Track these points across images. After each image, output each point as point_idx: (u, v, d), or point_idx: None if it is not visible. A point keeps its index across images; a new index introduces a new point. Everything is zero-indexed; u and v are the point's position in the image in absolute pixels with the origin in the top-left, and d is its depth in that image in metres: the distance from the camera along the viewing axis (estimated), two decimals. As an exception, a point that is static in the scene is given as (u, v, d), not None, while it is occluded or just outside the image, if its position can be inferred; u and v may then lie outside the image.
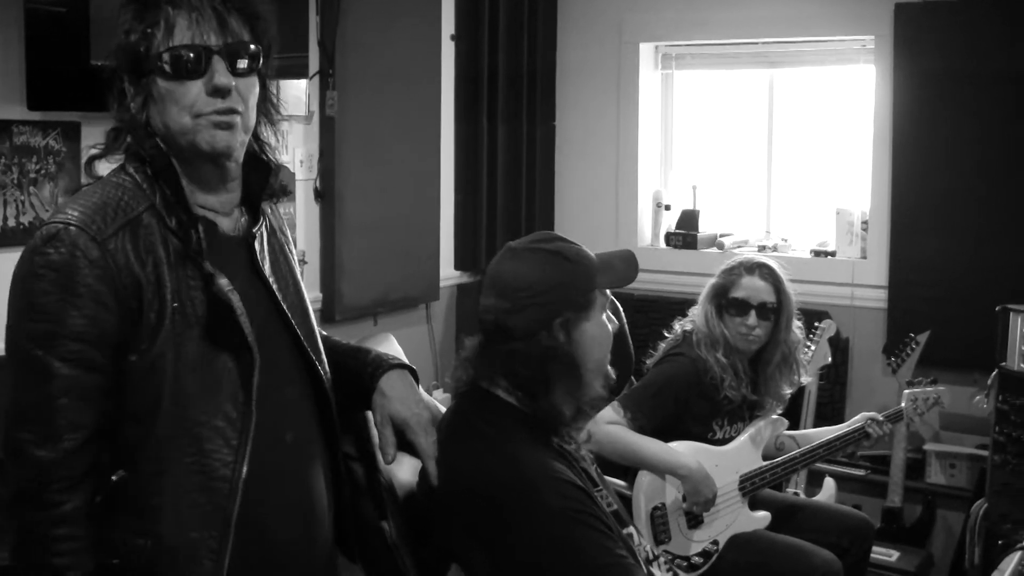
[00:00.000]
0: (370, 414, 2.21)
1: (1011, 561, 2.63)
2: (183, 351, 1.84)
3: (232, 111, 1.87)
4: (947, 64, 4.88)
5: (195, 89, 1.85)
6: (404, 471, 2.28)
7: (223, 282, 1.86)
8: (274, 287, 2.01)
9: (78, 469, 1.79)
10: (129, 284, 1.80)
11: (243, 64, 1.89)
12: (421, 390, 2.27)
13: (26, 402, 1.79)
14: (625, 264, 2.33)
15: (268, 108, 2.02)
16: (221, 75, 1.85)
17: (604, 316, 2.29)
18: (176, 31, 1.84)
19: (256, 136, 2.01)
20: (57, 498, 1.77)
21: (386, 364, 2.21)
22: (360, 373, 2.19)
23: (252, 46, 1.90)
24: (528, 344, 2.22)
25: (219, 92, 1.85)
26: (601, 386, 2.31)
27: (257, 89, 1.94)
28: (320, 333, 2.18)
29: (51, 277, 1.77)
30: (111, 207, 1.84)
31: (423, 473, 2.21)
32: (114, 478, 1.81)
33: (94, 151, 1.95)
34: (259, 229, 2.02)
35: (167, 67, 1.84)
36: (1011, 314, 3.96)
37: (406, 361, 2.26)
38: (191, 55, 1.84)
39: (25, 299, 1.79)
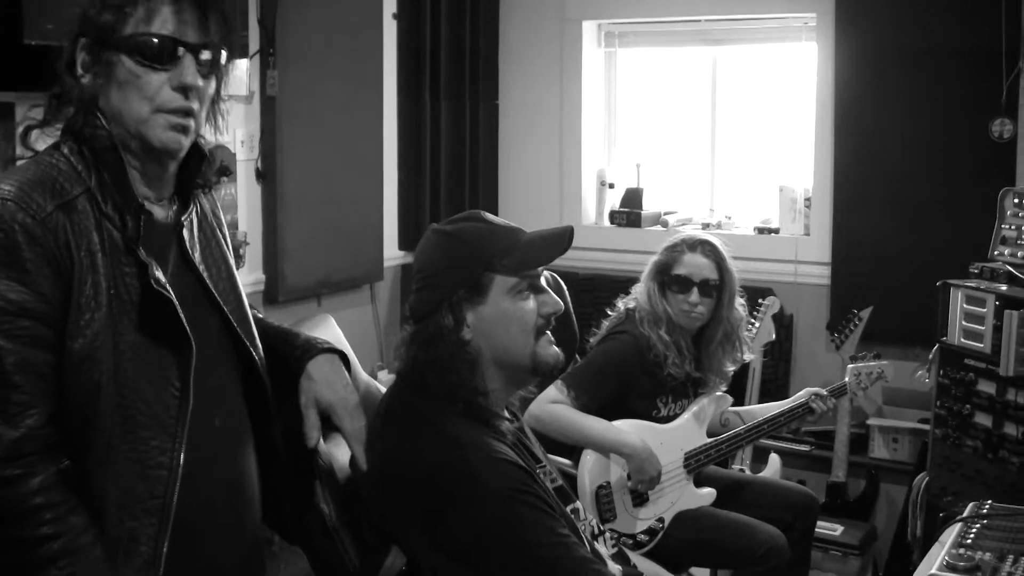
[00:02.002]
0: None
1: (951, 533, 2.66)
2: (121, 339, 1.82)
3: (190, 112, 1.86)
4: (888, 41, 4.90)
5: (159, 80, 1.83)
6: (344, 453, 2.26)
7: (158, 275, 1.85)
8: (204, 274, 1.99)
9: (42, 443, 1.75)
10: (67, 263, 1.78)
11: (208, 66, 1.88)
12: (360, 371, 2.26)
13: None
14: (548, 244, 2.30)
15: (215, 110, 1.99)
16: (190, 74, 1.84)
17: (520, 299, 2.26)
18: (156, 18, 1.82)
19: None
20: (25, 471, 1.72)
21: (315, 348, 2.19)
22: (288, 357, 2.17)
23: (222, 51, 1.90)
24: (423, 326, 2.22)
25: (184, 90, 1.84)
26: (523, 370, 2.29)
27: (212, 91, 1.93)
28: (255, 315, 2.16)
29: None
30: (47, 185, 1.81)
31: (352, 459, 2.20)
32: (61, 467, 1.78)
33: (31, 121, 1.91)
34: (188, 216, 1.99)
35: (139, 51, 1.82)
36: (951, 289, 3.99)
37: (337, 345, 2.24)
38: (166, 46, 1.82)
39: None
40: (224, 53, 1.91)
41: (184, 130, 1.87)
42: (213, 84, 1.93)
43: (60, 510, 1.74)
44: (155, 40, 1.82)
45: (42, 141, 1.93)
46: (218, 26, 1.89)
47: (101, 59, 1.84)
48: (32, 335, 1.75)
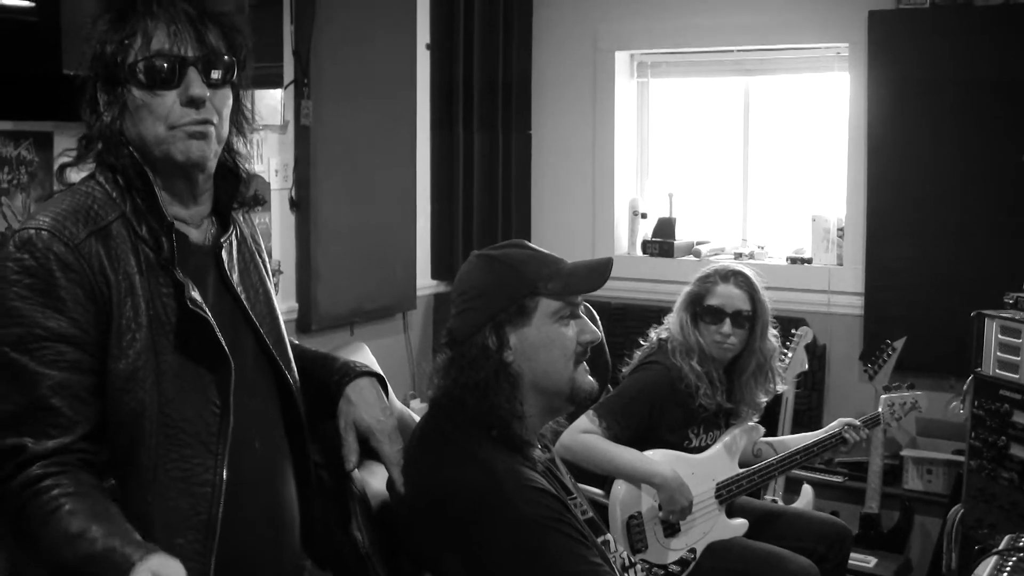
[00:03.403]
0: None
1: (987, 565, 2.63)
2: (162, 359, 1.85)
3: (206, 122, 1.88)
4: (920, 71, 4.90)
5: (170, 99, 1.86)
6: (378, 480, 2.27)
7: (194, 295, 1.87)
8: (242, 296, 2.02)
9: (77, 456, 1.78)
10: (103, 289, 1.81)
11: (217, 75, 1.90)
12: (394, 398, 2.27)
13: (13, 406, 1.76)
14: (590, 273, 2.32)
15: (240, 120, 2.03)
16: (196, 86, 1.86)
17: (562, 324, 2.27)
18: (153, 42, 1.85)
19: (228, 147, 2.01)
20: (57, 481, 1.74)
21: (353, 372, 2.21)
22: (327, 381, 2.19)
23: (227, 58, 1.92)
24: (464, 348, 2.23)
25: (193, 103, 1.86)
26: (560, 397, 2.29)
27: (231, 101, 1.96)
28: (290, 341, 2.18)
29: (27, 282, 1.77)
30: (81, 214, 1.84)
31: (390, 481, 2.21)
32: (104, 487, 1.80)
33: (65, 159, 1.95)
34: (228, 239, 2.02)
35: (142, 76, 1.85)
36: (986, 320, 3.97)
37: (375, 369, 2.26)
38: (166, 65, 1.85)
39: (1, 305, 1.78)
40: (233, 63, 1.93)
41: (203, 137, 1.89)
42: (230, 95, 1.95)
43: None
44: (154, 62, 1.85)
45: (78, 175, 1.96)
46: (219, 35, 1.91)
47: (114, 94, 1.88)
48: (69, 360, 1.78)
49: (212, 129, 1.89)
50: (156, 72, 1.85)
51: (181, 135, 1.87)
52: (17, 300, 1.77)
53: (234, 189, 2.03)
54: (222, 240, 2.01)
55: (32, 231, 1.80)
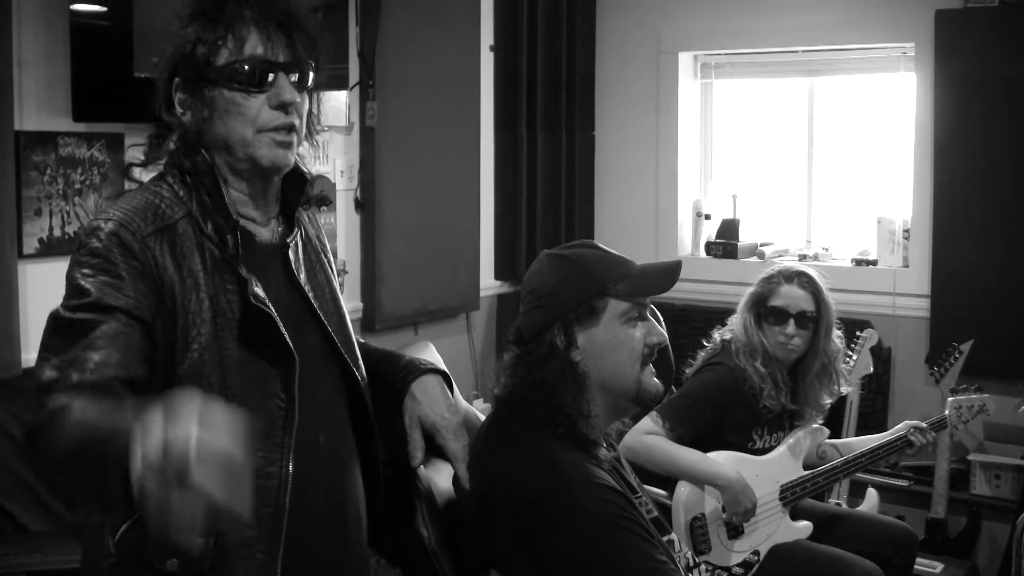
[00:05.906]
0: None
1: (1056, 572, 2.60)
2: (226, 353, 1.88)
3: (292, 128, 1.93)
4: (988, 71, 4.84)
5: (259, 102, 1.91)
6: (444, 478, 2.29)
7: (257, 291, 1.90)
8: (309, 295, 2.05)
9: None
10: (166, 283, 1.85)
11: (301, 81, 1.95)
12: (459, 396, 2.28)
13: (65, 353, 1.75)
14: (660, 275, 2.33)
15: (311, 124, 2.07)
16: (287, 91, 1.91)
17: (630, 326, 2.27)
18: (247, 45, 1.90)
19: None
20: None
21: (418, 369, 2.23)
22: (392, 378, 2.21)
23: (309, 63, 1.97)
24: (532, 347, 2.24)
25: (284, 107, 1.91)
26: (625, 398, 2.30)
27: (307, 105, 2.00)
28: (357, 340, 2.21)
29: (93, 263, 1.82)
30: (149, 211, 1.89)
31: (456, 478, 2.22)
32: None
33: (133, 160, 2.00)
34: (294, 238, 2.05)
35: (236, 78, 1.89)
36: (1055, 322, 3.93)
37: (440, 366, 2.28)
38: (260, 69, 1.90)
39: (70, 284, 1.83)
40: (312, 69, 1.98)
41: (289, 146, 1.94)
42: (306, 99, 1.99)
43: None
44: (248, 66, 1.89)
45: (147, 174, 2.01)
46: (304, 45, 1.96)
47: (199, 94, 1.92)
48: (123, 322, 1.79)
49: (294, 136, 1.95)
50: (249, 75, 1.89)
51: (268, 140, 1.91)
52: (83, 279, 1.81)
53: (300, 190, 2.07)
54: (288, 239, 2.04)
55: (101, 221, 1.86)
